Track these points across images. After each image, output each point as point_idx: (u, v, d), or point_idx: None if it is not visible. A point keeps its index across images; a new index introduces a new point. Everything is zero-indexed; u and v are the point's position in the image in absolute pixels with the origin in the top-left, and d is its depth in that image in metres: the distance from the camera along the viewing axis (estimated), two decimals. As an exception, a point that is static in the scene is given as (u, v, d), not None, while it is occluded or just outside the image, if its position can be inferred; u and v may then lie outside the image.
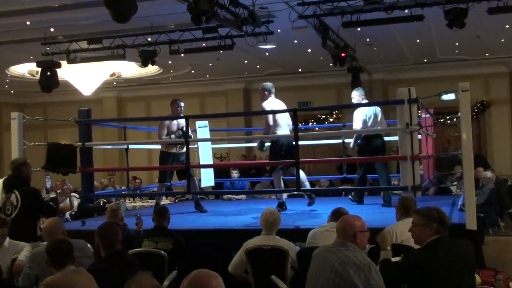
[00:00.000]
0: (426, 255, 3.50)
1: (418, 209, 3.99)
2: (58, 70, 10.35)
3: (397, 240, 4.58)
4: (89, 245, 4.83)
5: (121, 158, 14.26)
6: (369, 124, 7.59)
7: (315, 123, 14.60)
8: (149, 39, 9.63)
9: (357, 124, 7.57)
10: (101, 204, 10.58)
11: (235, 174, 10.35)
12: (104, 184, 12.87)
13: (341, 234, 3.50)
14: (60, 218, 9.79)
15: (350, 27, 8.37)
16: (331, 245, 3.50)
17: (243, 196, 10.02)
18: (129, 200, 11.39)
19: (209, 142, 9.31)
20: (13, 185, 5.71)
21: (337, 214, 4.89)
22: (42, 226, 5.45)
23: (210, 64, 13.21)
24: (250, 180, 11.65)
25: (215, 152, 12.20)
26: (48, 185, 6.40)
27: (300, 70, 14.58)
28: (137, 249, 4.99)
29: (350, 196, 8.59)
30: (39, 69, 10.39)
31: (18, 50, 11.07)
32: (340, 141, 9.87)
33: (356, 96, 7.85)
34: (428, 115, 8.31)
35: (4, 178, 5.95)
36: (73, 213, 10.03)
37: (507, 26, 10.31)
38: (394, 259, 3.85)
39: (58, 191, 11.10)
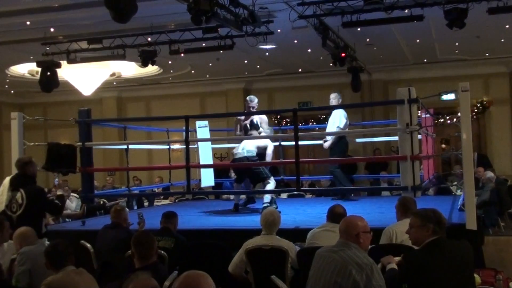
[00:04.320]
0: (425, 256, 3.50)
1: (414, 211, 4.00)
2: (58, 70, 10.34)
3: (397, 240, 4.59)
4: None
5: (121, 158, 14.26)
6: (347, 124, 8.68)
7: (315, 123, 14.58)
8: (149, 39, 9.62)
9: (341, 123, 8.44)
10: (101, 203, 10.65)
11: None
12: (110, 182, 12.85)
13: (344, 235, 3.50)
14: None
15: (350, 27, 8.36)
16: (333, 245, 3.51)
17: (243, 196, 10.00)
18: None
19: (209, 142, 9.31)
20: (18, 184, 5.80)
21: (332, 213, 4.91)
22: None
23: (210, 64, 13.20)
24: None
25: (215, 152, 12.18)
26: (56, 182, 6.47)
27: (300, 70, 14.57)
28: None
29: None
30: (39, 69, 10.38)
31: (18, 50, 11.06)
32: (340, 141, 9.86)
33: (338, 98, 8.70)
34: (428, 115, 8.31)
35: (11, 176, 6.02)
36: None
37: (507, 26, 10.31)
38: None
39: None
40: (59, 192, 6.24)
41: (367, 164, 13.60)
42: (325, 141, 8.69)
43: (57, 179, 6.47)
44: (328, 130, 8.69)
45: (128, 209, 8.45)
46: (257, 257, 4.78)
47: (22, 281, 4.25)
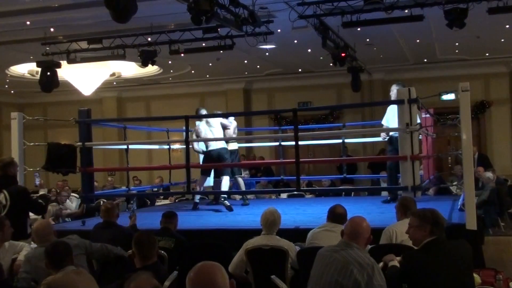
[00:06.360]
0: (424, 256, 3.51)
1: (414, 211, 4.00)
2: (58, 70, 10.34)
3: (397, 240, 4.59)
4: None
5: (121, 158, 14.26)
6: None
7: (315, 123, 14.58)
8: (149, 39, 9.62)
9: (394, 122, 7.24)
10: (101, 203, 10.65)
11: (245, 174, 10.43)
12: (111, 183, 12.84)
13: (351, 236, 3.49)
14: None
15: (350, 27, 8.37)
16: (335, 245, 3.51)
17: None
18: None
19: (209, 142, 9.28)
20: (1, 185, 5.74)
21: (333, 213, 4.91)
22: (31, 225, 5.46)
23: (210, 64, 13.20)
24: (249, 180, 11.66)
25: (215, 152, 12.18)
26: (37, 182, 6.42)
27: (300, 70, 14.57)
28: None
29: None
30: (39, 69, 10.39)
31: (18, 50, 11.06)
32: (340, 141, 9.87)
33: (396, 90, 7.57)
34: (428, 115, 8.31)
35: None
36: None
37: (507, 26, 10.31)
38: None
39: (59, 191, 11.14)
40: (41, 192, 6.20)
41: (370, 164, 13.60)
42: (384, 138, 7.96)
43: (38, 179, 6.42)
44: (389, 125, 7.67)
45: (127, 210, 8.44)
46: (257, 257, 4.78)
47: (22, 284, 4.24)
